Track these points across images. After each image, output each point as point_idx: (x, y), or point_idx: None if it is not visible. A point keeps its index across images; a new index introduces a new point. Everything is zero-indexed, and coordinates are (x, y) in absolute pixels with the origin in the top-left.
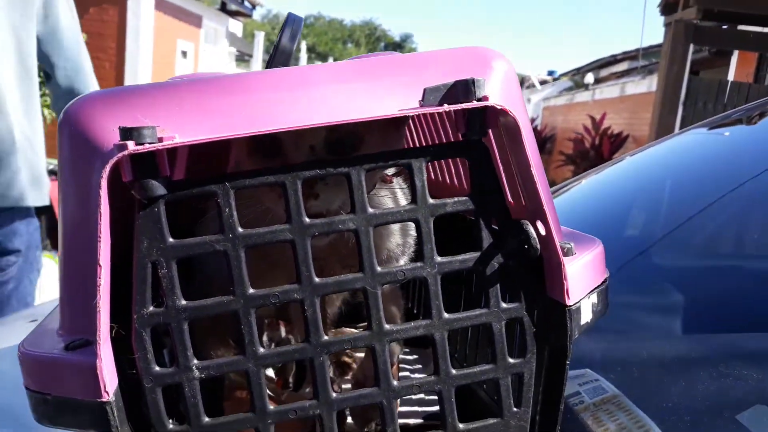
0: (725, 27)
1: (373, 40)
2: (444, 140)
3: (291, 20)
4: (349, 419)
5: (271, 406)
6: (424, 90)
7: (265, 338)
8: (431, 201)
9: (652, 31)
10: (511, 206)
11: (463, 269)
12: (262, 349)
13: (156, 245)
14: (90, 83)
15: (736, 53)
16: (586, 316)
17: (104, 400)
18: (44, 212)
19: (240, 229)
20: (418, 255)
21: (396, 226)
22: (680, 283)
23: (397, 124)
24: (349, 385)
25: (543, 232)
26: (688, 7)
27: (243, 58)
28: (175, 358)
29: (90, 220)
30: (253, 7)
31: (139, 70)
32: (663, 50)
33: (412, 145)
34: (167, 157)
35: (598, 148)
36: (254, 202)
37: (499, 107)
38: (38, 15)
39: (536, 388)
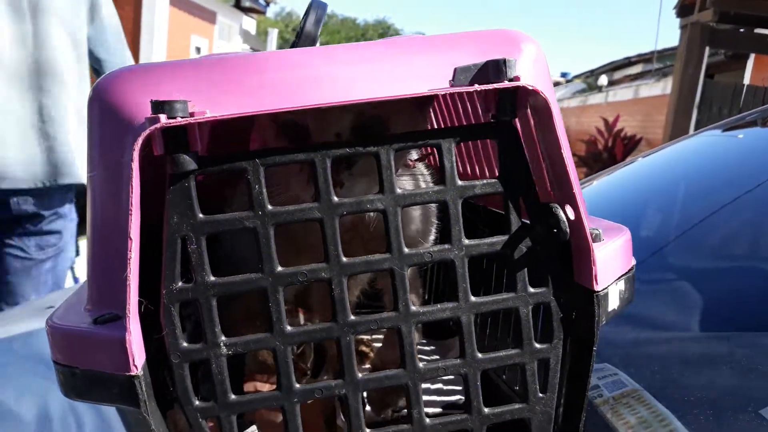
0: (742, 30)
1: None
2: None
3: (315, 5)
4: (367, 408)
5: (297, 386)
6: (455, 70)
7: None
8: (460, 183)
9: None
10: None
11: (490, 252)
12: (289, 328)
13: (186, 220)
14: None
15: (752, 57)
16: (613, 303)
17: (133, 374)
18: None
19: (269, 207)
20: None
21: (417, 214)
22: (697, 282)
23: (422, 108)
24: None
25: (572, 216)
26: (705, 10)
27: None
28: (203, 335)
29: (120, 195)
30: (267, 4)
31: None
32: (678, 52)
33: None
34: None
35: (611, 150)
36: (282, 189)
37: (530, 87)
38: (87, 15)
39: (562, 374)
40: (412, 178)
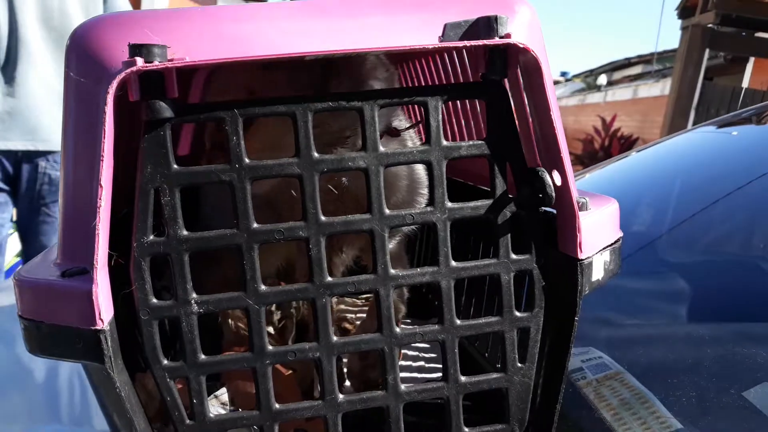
0: (743, 33)
1: None
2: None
3: None
4: (347, 383)
5: (270, 347)
6: (445, 26)
7: None
8: (445, 143)
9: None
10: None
11: (474, 216)
12: (263, 287)
13: (160, 171)
14: None
15: (752, 61)
16: (597, 273)
17: (98, 328)
18: None
19: (247, 160)
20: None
21: (403, 183)
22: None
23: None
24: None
25: (558, 182)
26: (706, 12)
27: None
28: (173, 291)
29: (94, 144)
30: None
31: None
32: (678, 54)
33: None
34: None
35: (607, 150)
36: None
37: (521, 45)
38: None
39: (542, 345)
40: (400, 144)
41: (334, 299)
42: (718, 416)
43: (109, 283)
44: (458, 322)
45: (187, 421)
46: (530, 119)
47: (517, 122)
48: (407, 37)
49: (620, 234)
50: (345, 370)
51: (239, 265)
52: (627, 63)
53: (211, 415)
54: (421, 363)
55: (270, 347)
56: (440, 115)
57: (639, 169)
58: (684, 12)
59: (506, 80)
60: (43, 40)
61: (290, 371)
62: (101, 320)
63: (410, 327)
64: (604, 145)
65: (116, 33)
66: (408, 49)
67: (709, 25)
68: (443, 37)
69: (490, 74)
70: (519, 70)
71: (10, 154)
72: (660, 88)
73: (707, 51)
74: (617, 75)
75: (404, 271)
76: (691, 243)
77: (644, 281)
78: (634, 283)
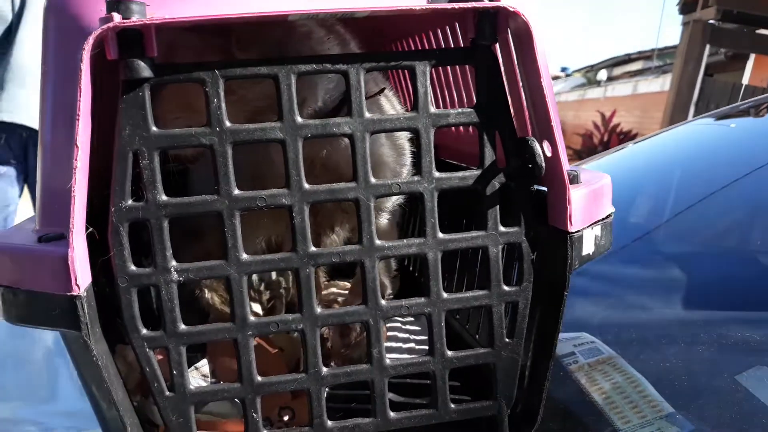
0: (744, 29)
1: None
2: None
3: None
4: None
5: (252, 318)
6: None
7: (255, 277)
8: (433, 110)
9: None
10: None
11: (461, 187)
12: (245, 255)
13: (139, 133)
14: None
15: (752, 57)
16: (588, 247)
17: (75, 293)
18: None
19: (228, 123)
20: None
21: (390, 158)
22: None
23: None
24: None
25: (549, 152)
26: (707, 7)
27: None
28: (152, 259)
29: (73, 106)
30: None
31: None
32: (679, 49)
33: None
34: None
35: (606, 145)
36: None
37: (511, 9)
38: None
39: (531, 320)
40: (377, 108)
41: (324, 280)
42: (710, 400)
43: (86, 248)
44: (445, 295)
45: (167, 393)
46: (521, 89)
47: (508, 91)
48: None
49: (612, 209)
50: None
51: (221, 233)
52: (627, 59)
53: (192, 386)
54: (411, 345)
55: (252, 318)
56: (428, 81)
57: (637, 160)
58: (685, 7)
59: (498, 47)
60: None
61: (277, 349)
62: (77, 286)
63: (396, 300)
64: (604, 141)
65: None
66: (394, 10)
67: (710, 21)
68: (431, 0)
69: (479, 39)
70: (510, 36)
71: (16, 129)
72: (660, 84)
73: (708, 47)
74: (617, 71)
75: (390, 242)
76: (687, 233)
77: (639, 269)
78: (629, 270)
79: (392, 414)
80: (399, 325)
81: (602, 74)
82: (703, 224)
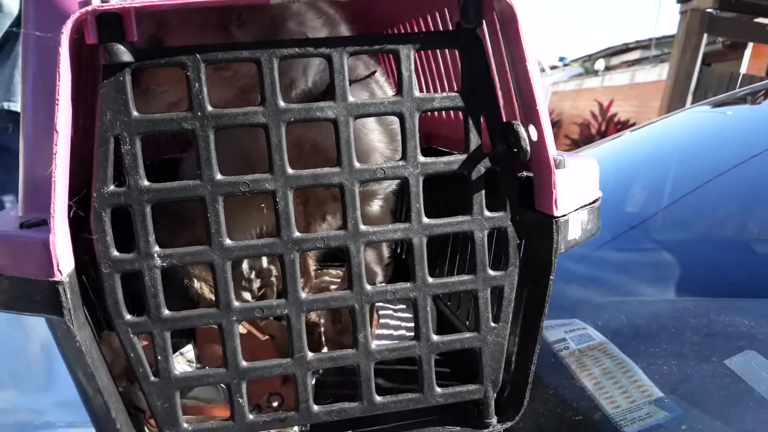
0: (742, 18)
1: None
2: None
3: None
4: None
5: (236, 303)
6: None
7: (245, 265)
8: (418, 94)
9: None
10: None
11: (447, 172)
12: (228, 241)
13: (120, 118)
14: None
15: (750, 46)
16: (574, 232)
17: (57, 279)
18: None
19: (210, 108)
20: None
21: (381, 143)
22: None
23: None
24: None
25: (534, 137)
26: None
27: None
28: (135, 244)
29: (53, 91)
30: None
31: None
32: (676, 38)
33: None
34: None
35: (604, 134)
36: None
37: None
38: None
39: (517, 304)
40: (368, 92)
41: (314, 268)
42: (698, 384)
43: (69, 234)
44: (430, 280)
45: (152, 378)
46: (508, 73)
47: (497, 76)
48: None
49: (599, 194)
50: (323, 338)
51: (204, 219)
52: (625, 48)
53: (177, 372)
54: (402, 332)
55: (236, 303)
56: (412, 65)
57: (633, 148)
58: None
59: (485, 31)
60: None
61: (267, 336)
62: (59, 271)
63: (381, 285)
64: (601, 130)
65: None
66: None
67: (708, 10)
68: None
69: (464, 23)
70: (496, 19)
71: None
72: (657, 73)
73: (705, 36)
74: (615, 60)
75: (375, 228)
76: (682, 221)
77: (633, 256)
78: (623, 257)
79: (378, 398)
80: (390, 312)
81: (600, 64)
82: (698, 212)
